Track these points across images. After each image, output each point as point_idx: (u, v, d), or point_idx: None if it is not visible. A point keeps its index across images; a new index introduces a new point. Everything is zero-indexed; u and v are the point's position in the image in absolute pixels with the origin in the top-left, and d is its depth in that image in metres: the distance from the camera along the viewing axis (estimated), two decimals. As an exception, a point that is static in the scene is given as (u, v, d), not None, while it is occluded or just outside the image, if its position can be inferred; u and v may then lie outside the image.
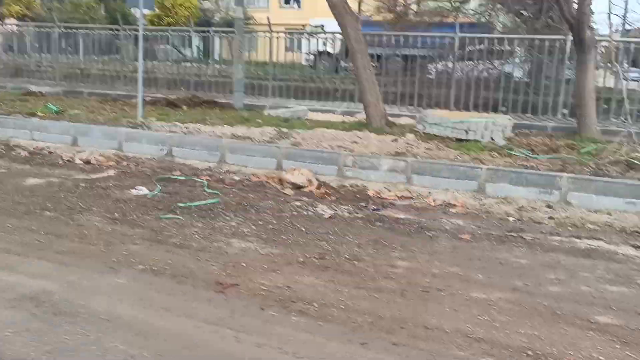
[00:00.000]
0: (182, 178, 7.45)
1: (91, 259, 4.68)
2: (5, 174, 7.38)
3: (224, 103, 13.38)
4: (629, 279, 4.70)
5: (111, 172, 7.69)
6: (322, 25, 21.28)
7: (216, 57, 19.63)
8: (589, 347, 3.52)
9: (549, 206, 6.73)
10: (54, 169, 7.80)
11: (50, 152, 8.73)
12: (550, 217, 6.39)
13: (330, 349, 3.40)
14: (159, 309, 3.83)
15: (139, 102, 10.35)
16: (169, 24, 31.62)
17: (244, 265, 4.67)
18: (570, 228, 6.06)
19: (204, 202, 6.40)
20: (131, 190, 6.78)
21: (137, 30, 10.65)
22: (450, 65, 14.01)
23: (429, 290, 4.32)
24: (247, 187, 7.21)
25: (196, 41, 19.46)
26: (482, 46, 13.84)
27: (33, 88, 14.80)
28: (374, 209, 6.47)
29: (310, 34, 19.63)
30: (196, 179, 7.43)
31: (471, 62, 13.73)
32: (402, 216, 6.25)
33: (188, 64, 17.76)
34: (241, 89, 13.54)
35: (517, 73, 14.17)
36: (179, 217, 5.87)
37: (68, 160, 8.24)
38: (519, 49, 14.35)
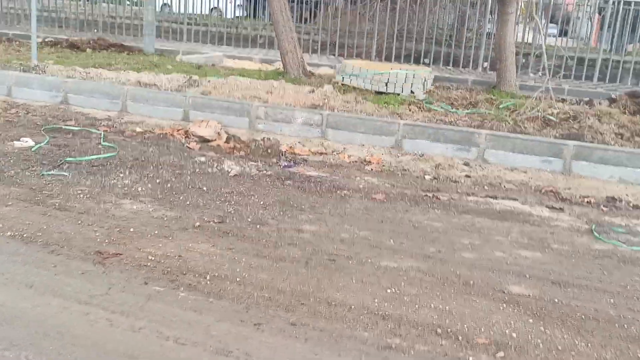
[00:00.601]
0: (76, 129, 6.75)
1: (-51, 224, 4.05)
2: None
3: (134, 47, 12.45)
4: (543, 243, 4.52)
5: (-6, 121, 6.89)
6: None
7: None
8: (500, 322, 3.27)
9: (466, 164, 6.52)
10: None
11: None
12: (467, 176, 6.17)
13: (218, 332, 2.99)
14: (20, 286, 3.29)
15: (32, 43, 9.37)
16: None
17: (132, 230, 4.16)
18: (486, 187, 5.86)
19: (96, 156, 5.78)
20: (14, 142, 6.05)
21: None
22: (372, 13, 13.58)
23: (336, 258, 3.96)
24: (149, 140, 6.60)
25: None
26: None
27: None
28: (285, 166, 6.04)
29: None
30: (92, 130, 6.74)
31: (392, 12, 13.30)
32: (314, 174, 5.86)
33: (103, 4, 16.46)
34: (152, 32, 12.62)
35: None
36: (65, 173, 5.24)
37: (-56, 107, 7.35)
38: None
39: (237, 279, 3.57)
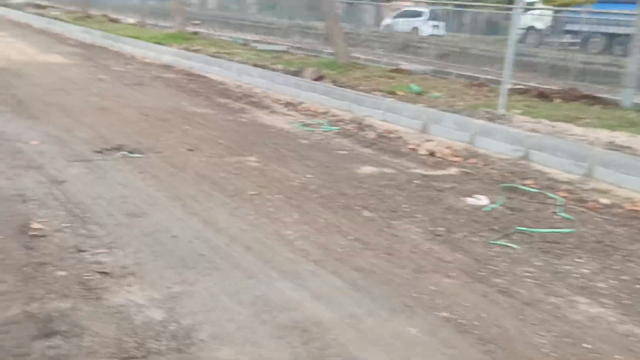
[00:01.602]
0: (532, 190, 6.10)
1: (390, 286, 3.81)
2: (344, 157, 7.03)
3: (609, 100, 11.22)
4: None
5: (453, 171, 6.75)
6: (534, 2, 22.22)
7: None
8: None
9: None
10: (393, 157, 7.19)
11: (397, 137, 8.19)
12: None
13: None
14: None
15: (502, 91, 9.16)
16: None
17: (586, 346, 3.25)
18: None
19: (551, 230, 5.01)
20: (468, 198, 5.74)
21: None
22: None
23: None
24: (616, 218, 5.51)
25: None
26: None
27: (403, 65, 14.74)
28: None
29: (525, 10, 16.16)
30: (550, 195, 6.00)
31: None
32: None
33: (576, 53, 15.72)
34: (635, 84, 11.17)
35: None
36: (514, 245, 4.62)
37: (411, 149, 7.57)
38: None
39: None
